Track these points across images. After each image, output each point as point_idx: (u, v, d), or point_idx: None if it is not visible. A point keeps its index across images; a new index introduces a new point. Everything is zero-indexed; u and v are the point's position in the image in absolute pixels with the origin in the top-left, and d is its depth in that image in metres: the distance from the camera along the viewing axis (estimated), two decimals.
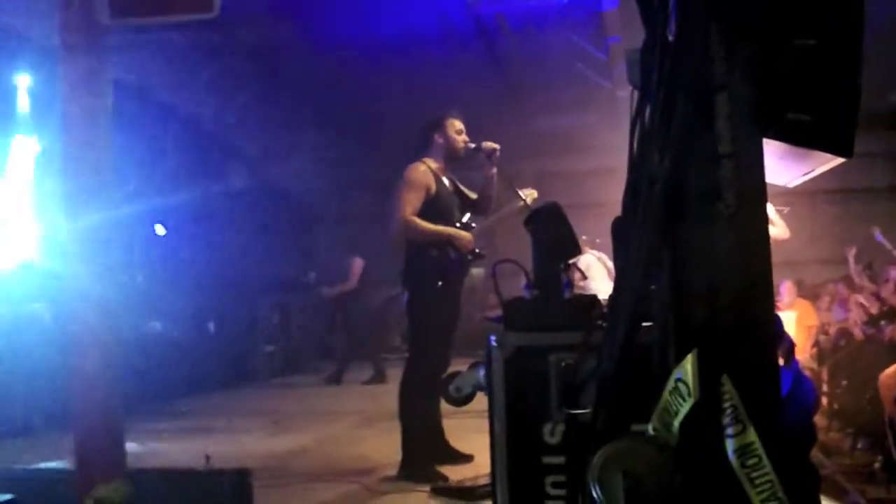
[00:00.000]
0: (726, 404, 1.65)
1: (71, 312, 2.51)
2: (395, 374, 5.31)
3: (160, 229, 10.62)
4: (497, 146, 4.87)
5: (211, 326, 11.40)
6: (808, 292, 9.78)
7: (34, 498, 2.39)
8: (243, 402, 8.92)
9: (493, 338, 2.34)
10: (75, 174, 2.82)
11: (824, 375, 6.45)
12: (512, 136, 12.64)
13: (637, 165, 1.77)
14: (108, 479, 1.99)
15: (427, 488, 4.26)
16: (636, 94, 1.83)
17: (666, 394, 1.73)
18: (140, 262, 9.24)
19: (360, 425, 6.83)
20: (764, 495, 1.62)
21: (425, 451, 4.68)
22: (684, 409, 1.69)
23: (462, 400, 2.56)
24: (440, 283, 4.65)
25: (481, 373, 2.41)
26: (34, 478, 2.87)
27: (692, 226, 1.71)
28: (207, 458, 2.43)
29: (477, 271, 9.17)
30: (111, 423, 2.07)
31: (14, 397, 6.61)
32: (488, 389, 2.34)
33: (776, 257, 1.77)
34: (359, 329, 11.04)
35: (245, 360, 11.33)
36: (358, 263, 11.17)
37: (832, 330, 7.69)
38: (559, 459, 2.23)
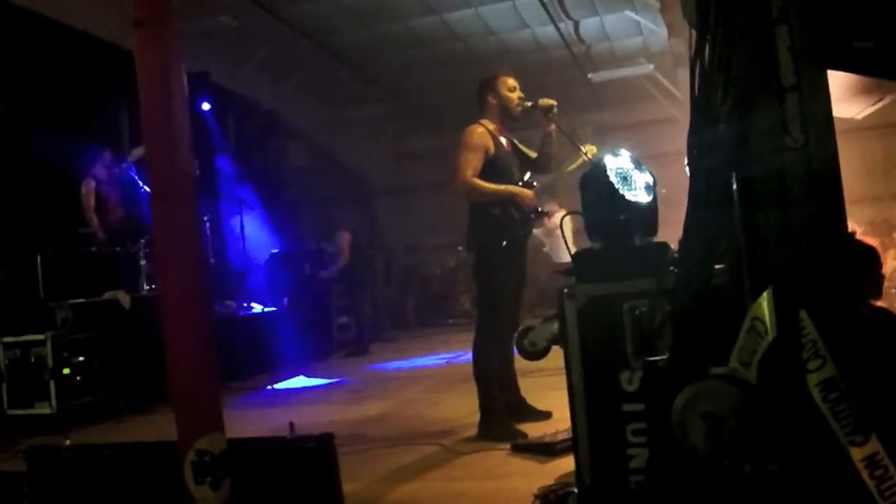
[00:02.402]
0: (805, 339, 1.64)
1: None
2: (466, 339, 5.34)
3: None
4: (554, 102, 4.82)
5: (285, 302, 11.58)
6: (879, 229, 9.48)
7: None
8: (320, 374, 9.08)
9: (565, 290, 2.36)
10: None
11: None
12: (571, 91, 12.60)
13: (699, 105, 1.76)
14: (208, 432, 2.08)
15: (507, 446, 4.30)
16: (694, 33, 1.81)
17: (743, 333, 1.73)
18: (212, 244, 9.41)
19: (437, 388, 6.90)
20: (848, 428, 1.61)
21: (503, 410, 4.73)
22: (762, 347, 1.69)
23: (538, 354, 2.58)
24: (504, 243, 4.66)
25: (555, 325, 2.43)
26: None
27: (760, 162, 1.69)
28: (292, 425, 2.49)
29: (539, 231, 9.16)
30: (207, 377, 2.15)
31: None
32: (563, 341, 2.36)
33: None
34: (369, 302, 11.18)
35: (320, 333, 11.50)
36: (345, 237, 11.25)
37: None
38: (638, 407, 2.24)
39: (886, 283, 8.13)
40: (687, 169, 1.79)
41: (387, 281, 15.31)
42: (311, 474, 2.42)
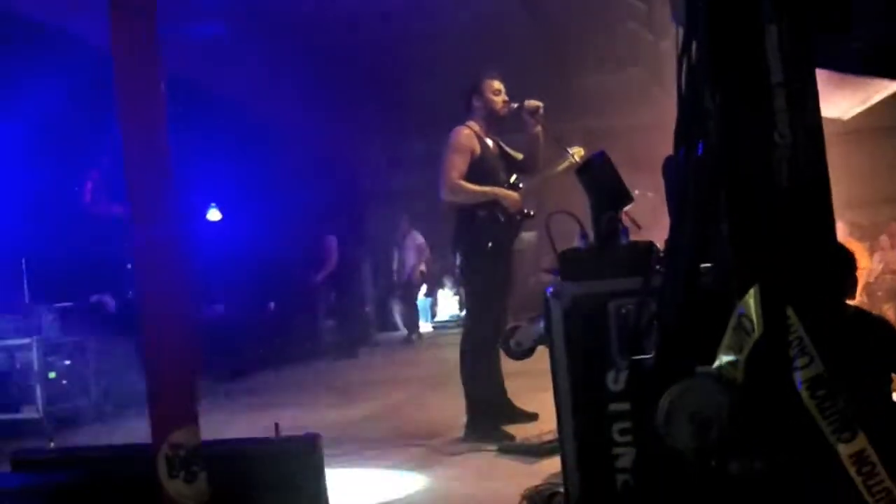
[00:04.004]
0: (792, 337, 1.63)
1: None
2: (455, 341, 5.33)
3: (214, 214, 10.78)
4: (540, 104, 4.82)
5: (272, 305, 11.56)
6: (866, 233, 9.55)
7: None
8: (308, 376, 9.06)
9: (549, 289, 2.35)
10: None
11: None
12: (556, 95, 12.58)
13: (686, 103, 1.75)
14: (182, 426, 2.06)
15: (494, 448, 4.30)
16: (681, 31, 1.80)
17: (730, 330, 1.72)
18: (199, 245, 9.37)
19: (426, 391, 6.89)
20: (835, 426, 1.60)
21: (490, 412, 4.72)
22: (749, 344, 1.68)
23: (523, 354, 2.57)
24: (490, 245, 4.66)
25: (541, 325, 2.41)
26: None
27: (747, 159, 1.68)
28: (277, 426, 2.47)
29: (528, 235, 9.16)
30: (182, 371, 2.13)
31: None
32: (549, 341, 2.35)
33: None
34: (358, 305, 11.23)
35: (307, 336, 11.48)
36: (332, 242, 11.30)
37: None
38: (625, 406, 2.23)
39: (872, 286, 8.19)
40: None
41: (375, 285, 15.29)
42: (297, 476, 2.39)
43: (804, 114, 1.63)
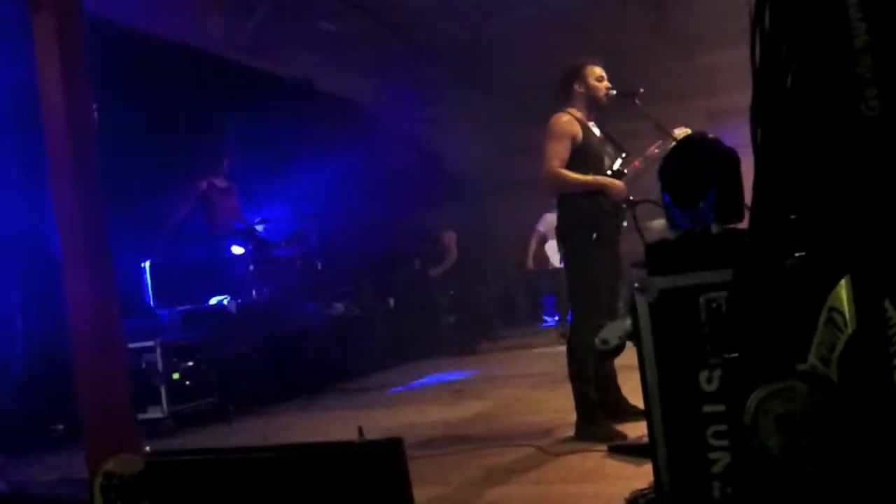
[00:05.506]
0: (891, 332, 1.46)
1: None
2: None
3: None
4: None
5: (391, 302, 11.65)
6: None
7: None
8: (427, 373, 9.06)
9: (635, 284, 2.21)
10: None
11: None
12: (675, 75, 12.16)
13: (762, 73, 1.59)
14: (118, 453, 2.03)
15: (604, 447, 4.15)
16: None
17: (821, 326, 1.56)
18: (315, 249, 9.54)
19: (544, 387, 6.75)
20: None
21: (601, 409, 4.57)
22: (842, 340, 1.52)
23: (611, 352, 2.44)
24: (594, 236, 4.50)
25: (628, 322, 2.28)
26: None
27: (833, 133, 1.51)
28: (360, 430, 2.42)
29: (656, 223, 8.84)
30: (118, 397, 2.12)
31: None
32: (635, 338, 2.21)
33: None
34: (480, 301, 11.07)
35: (428, 333, 11.52)
36: (451, 237, 11.16)
37: None
38: (719, 408, 2.07)
39: None
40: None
41: (496, 278, 15.21)
42: (379, 480, 2.34)
43: (894, 80, 1.44)
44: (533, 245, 11.88)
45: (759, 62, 1.59)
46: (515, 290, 15.58)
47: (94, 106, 3.61)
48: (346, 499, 2.34)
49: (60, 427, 6.25)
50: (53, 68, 3.14)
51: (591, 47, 5.16)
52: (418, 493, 2.30)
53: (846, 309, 1.49)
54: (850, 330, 1.49)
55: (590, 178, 4.56)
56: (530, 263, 11.96)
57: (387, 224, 11.97)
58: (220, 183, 8.45)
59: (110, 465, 2.06)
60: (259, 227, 8.61)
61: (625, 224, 4.63)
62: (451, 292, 12.03)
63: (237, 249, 8.31)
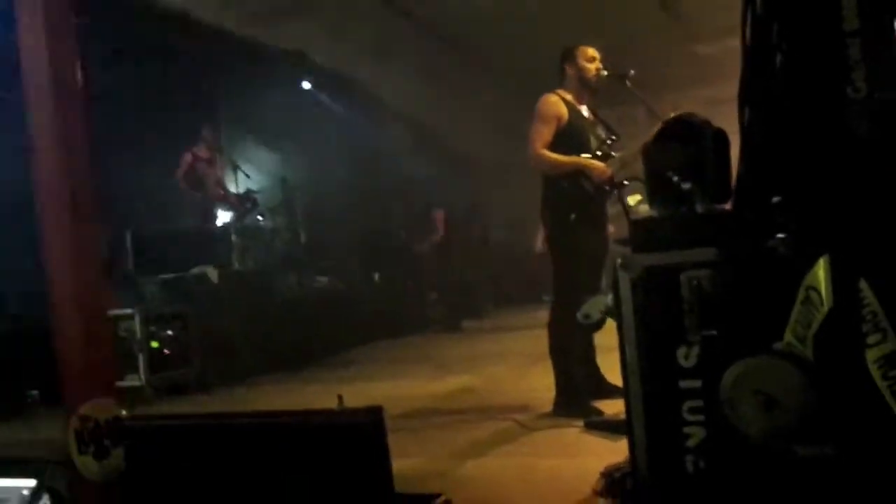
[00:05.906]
0: (864, 311, 1.49)
1: None
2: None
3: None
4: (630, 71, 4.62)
5: (376, 277, 11.65)
6: None
7: None
8: (408, 349, 9.10)
9: (618, 260, 2.23)
10: None
11: None
12: (675, 63, 12.12)
13: (752, 56, 1.61)
14: (93, 398, 2.04)
15: (581, 423, 4.19)
16: None
17: (798, 305, 1.59)
18: (301, 221, 9.53)
19: (524, 364, 6.79)
20: None
21: (579, 386, 4.61)
22: (818, 319, 1.55)
23: (592, 326, 2.47)
24: (573, 216, 4.53)
25: (609, 297, 2.30)
26: None
27: (819, 114, 1.53)
28: (340, 398, 2.44)
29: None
30: (93, 344, 2.13)
31: None
32: (616, 314, 2.23)
33: None
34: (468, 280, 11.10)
35: (413, 308, 11.53)
36: (440, 214, 11.17)
37: None
38: (696, 384, 2.09)
39: None
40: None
41: (483, 257, 15.20)
42: (358, 448, 2.36)
43: (881, 65, 1.46)
44: (542, 229, 11.85)
45: (749, 41, 1.61)
46: (511, 272, 15.57)
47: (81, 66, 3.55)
48: (326, 466, 2.36)
49: (35, 392, 6.21)
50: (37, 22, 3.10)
51: (592, 32, 5.16)
52: (398, 464, 2.32)
53: (823, 288, 1.52)
54: (826, 308, 1.52)
55: (572, 159, 4.58)
56: (539, 246, 11.97)
57: (375, 199, 11.96)
58: (203, 153, 8.42)
59: (85, 409, 2.06)
60: (242, 196, 8.58)
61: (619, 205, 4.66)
62: (438, 269, 12.02)
63: (221, 219, 8.29)
